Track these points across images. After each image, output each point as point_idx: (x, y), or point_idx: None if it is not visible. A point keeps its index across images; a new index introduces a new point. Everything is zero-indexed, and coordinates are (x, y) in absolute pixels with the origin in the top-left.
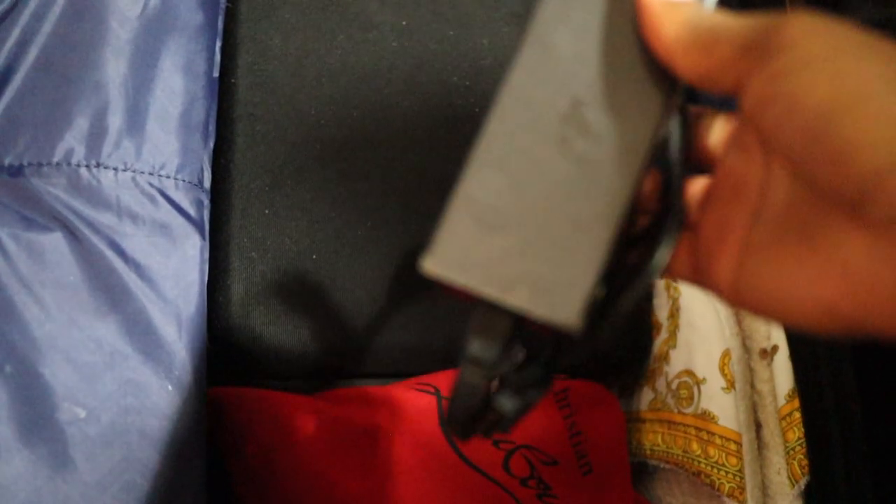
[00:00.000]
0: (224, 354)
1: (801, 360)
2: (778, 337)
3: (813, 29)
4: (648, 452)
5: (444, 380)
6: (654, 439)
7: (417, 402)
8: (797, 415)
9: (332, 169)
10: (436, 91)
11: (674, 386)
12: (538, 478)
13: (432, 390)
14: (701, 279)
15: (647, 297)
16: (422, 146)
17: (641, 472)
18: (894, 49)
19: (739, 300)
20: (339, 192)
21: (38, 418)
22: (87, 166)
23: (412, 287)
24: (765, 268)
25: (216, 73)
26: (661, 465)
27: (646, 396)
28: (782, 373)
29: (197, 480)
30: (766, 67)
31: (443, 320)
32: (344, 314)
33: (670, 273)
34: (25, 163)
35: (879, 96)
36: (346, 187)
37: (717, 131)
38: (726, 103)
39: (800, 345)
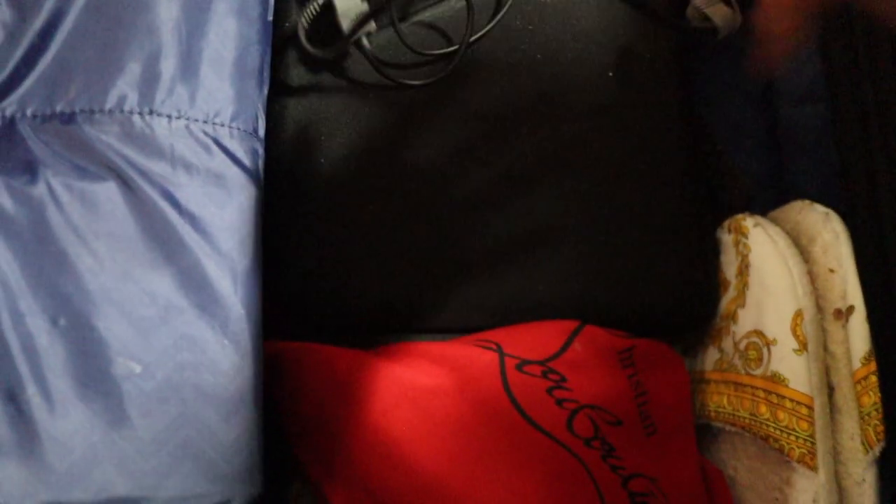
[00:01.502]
0: (281, 308)
1: (879, 322)
2: (854, 297)
3: None
4: (713, 414)
5: (505, 336)
6: (719, 401)
7: (480, 358)
8: (873, 378)
9: (391, 114)
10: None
11: (742, 346)
12: (602, 438)
13: (494, 347)
14: None
15: (715, 253)
16: (487, 84)
17: (705, 434)
18: None
19: None
20: (398, 139)
21: (93, 372)
22: (140, 114)
23: (475, 239)
24: None
25: (270, 17)
26: (727, 428)
27: (711, 356)
28: (858, 335)
29: (254, 437)
30: None
31: (504, 276)
32: (403, 268)
33: None
34: (77, 109)
35: None
36: (405, 135)
37: None
38: None
39: (878, 305)
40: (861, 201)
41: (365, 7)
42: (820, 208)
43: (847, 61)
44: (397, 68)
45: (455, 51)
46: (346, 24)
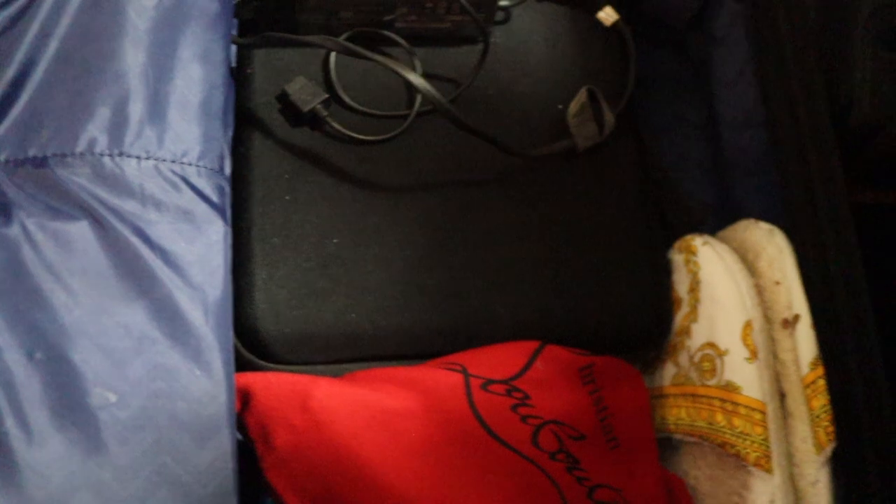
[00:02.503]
0: (249, 340)
1: (824, 328)
2: (799, 306)
3: None
4: (673, 427)
5: (470, 358)
6: (678, 413)
7: (446, 380)
8: (821, 382)
9: (352, 153)
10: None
11: (696, 359)
12: (566, 451)
13: (459, 368)
14: None
15: (667, 273)
16: (441, 126)
17: (667, 446)
18: None
19: None
20: (360, 175)
21: (70, 403)
22: (111, 155)
23: (436, 268)
24: None
25: (234, 63)
26: (686, 439)
27: (668, 371)
28: (805, 342)
29: (228, 463)
30: None
31: (467, 301)
32: (368, 297)
33: None
34: (49, 154)
35: None
36: (365, 170)
37: None
38: None
39: (822, 312)
40: (802, 217)
41: (313, 86)
42: (764, 225)
43: (782, 86)
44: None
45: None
46: (301, 105)
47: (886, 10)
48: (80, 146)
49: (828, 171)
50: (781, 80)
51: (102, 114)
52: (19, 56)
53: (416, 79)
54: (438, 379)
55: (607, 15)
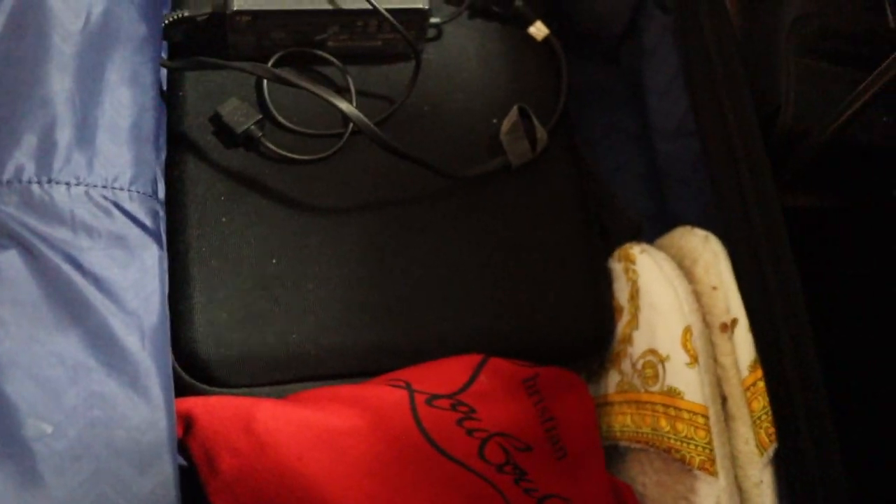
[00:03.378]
0: (189, 364)
1: (761, 331)
2: (737, 310)
3: None
4: (619, 434)
5: (414, 374)
6: (623, 420)
7: (390, 396)
8: (761, 384)
9: (288, 174)
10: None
11: (639, 366)
12: (514, 463)
13: (403, 384)
14: None
15: (607, 282)
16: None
17: (613, 454)
18: None
19: None
20: (297, 195)
21: (3, 436)
22: (39, 182)
23: (377, 286)
24: None
25: (164, 86)
26: (632, 446)
27: (612, 379)
28: (743, 345)
29: (170, 490)
30: None
31: (408, 317)
32: (309, 317)
33: None
34: None
35: None
36: (302, 190)
37: None
38: None
39: (759, 315)
40: (735, 222)
41: (246, 107)
42: (700, 232)
43: (710, 95)
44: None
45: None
46: (235, 126)
47: (809, 18)
48: (7, 174)
49: (758, 177)
50: (709, 89)
51: (29, 140)
52: None
53: (345, 106)
54: (383, 396)
55: (538, 30)
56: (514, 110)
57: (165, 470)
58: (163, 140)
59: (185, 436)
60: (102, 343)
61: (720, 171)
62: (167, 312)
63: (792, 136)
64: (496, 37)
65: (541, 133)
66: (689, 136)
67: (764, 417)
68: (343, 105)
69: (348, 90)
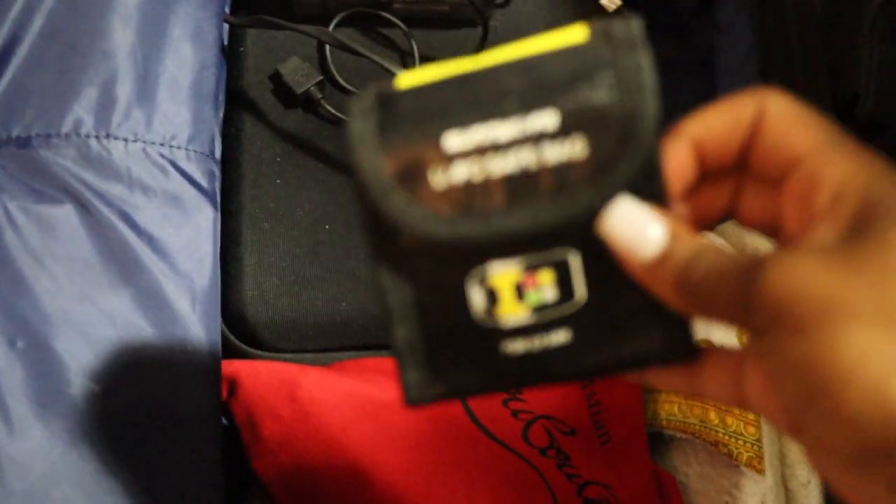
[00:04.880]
0: (237, 327)
1: None
2: None
3: (793, 293)
4: (665, 422)
5: None
6: (670, 409)
7: None
8: None
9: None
10: None
11: None
12: (557, 447)
13: None
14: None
15: None
16: None
17: (658, 442)
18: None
19: None
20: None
21: (52, 393)
22: (97, 137)
23: None
24: None
25: (226, 42)
26: (678, 435)
27: None
28: None
29: (213, 455)
30: (758, 341)
31: None
32: (359, 285)
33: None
34: (34, 134)
35: (860, 375)
36: None
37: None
38: None
39: None
40: None
41: (307, 67)
42: None
43: (786, 77)
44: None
45: None
46: (295, 86)
47: (895, 4)
48: (66, 127)
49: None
50: (786, 71)
51: (89, 94)
52: (3, 32)
53: None
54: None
55: (610, 1)
56: None
57: (210, 434)
58: (222, 97)
59: (230, 398)
60: (154, 304)
61: None
62: (219, 275)
63: (870, 127)
64: (567, 6)
65: None
66: (751, 76)
67: None
68: None
69: (412, 55)
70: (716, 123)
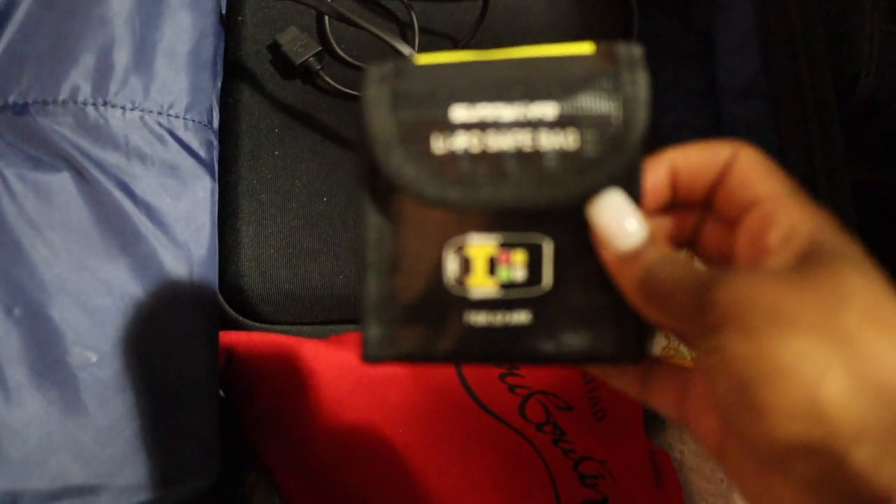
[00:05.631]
0: (234, 298)
1: None
2: None
3: (746, 299)
4: None
5: None
6: None
7: None
8: None
9: (344, 109)
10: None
11: None
12: (553, 423)
13: None
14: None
15: None
16: None
17: (654, 419)
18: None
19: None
20: (352, 133)
21: (49, 362)
22: (94, 104)
23: None
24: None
25: (224, 10)
26: None
27: (658, 344)
28: None
29: (210, 426)
30: (704, 341)
31: None
32: (356, 258)
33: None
34: (30, 100)
35: (795, 374)
36: None
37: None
38: None
39: None
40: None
41: (306, 38)
42: None
43: (786, 57)
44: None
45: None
46: (293, 57)
47: None
48: (63, 94)
49: (829, 145)
50: (786, 50)
51: (86, 61)
52: None
53: (406, 50)
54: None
55: None
56: None
57: (207, 405)
58: (220, 65)
59: (226, 369)
60: (150, 273)
61: (789, 138)
62: (216, 246)
63: (870, 106)
64: None
65: None
66: (758, 97)
67: None
68: (405, 49)
69: (412, 27)
70: (694, 157)
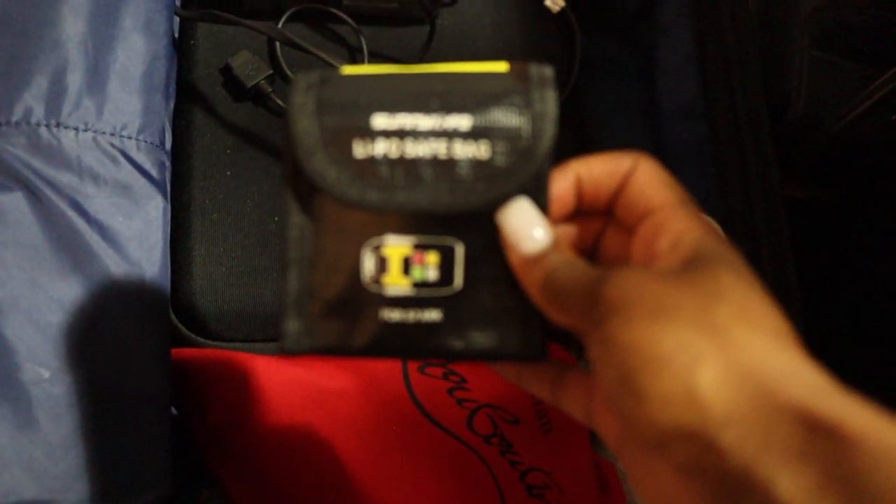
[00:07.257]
0: (186, 316)
1: None
2: None
3: (631, 294)
4: None
5: None
6: None
7: (383, 362)
8: None
9: None
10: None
11: None
12: (501, 435)
13: None
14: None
15: None
16: None
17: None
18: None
19: None
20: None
21: (1, 378)
22: (47, 126)
23: None
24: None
25: (177, 34)
26: None
27: None
28: None
29: (162, 442)
30: (595, 332)
31: None
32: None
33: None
34: None
35: (673, 362)
36: None
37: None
38: None
39: None
40: (736, 209)
41: (258, 61)
42: None
43: (722, 78)
44: None
45: None
46: (245, 80)
47: (824, 11)
48: (16, 115)
49: (763, 164)
50: (722, 72)
51: (39, 82)
52: None
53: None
54: (376, 360)
55: (554, 2)
56: None
57: (159, 421)
58: (172, 88)
59: (179, 386)
60: (103, 291)
61: (725, 156)
62: (168, 265)
63: (800, 127)
64: (512, 7)
65: None
66: (695, 118)
67: None
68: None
69: (361, 51)
70: (597, 168)
